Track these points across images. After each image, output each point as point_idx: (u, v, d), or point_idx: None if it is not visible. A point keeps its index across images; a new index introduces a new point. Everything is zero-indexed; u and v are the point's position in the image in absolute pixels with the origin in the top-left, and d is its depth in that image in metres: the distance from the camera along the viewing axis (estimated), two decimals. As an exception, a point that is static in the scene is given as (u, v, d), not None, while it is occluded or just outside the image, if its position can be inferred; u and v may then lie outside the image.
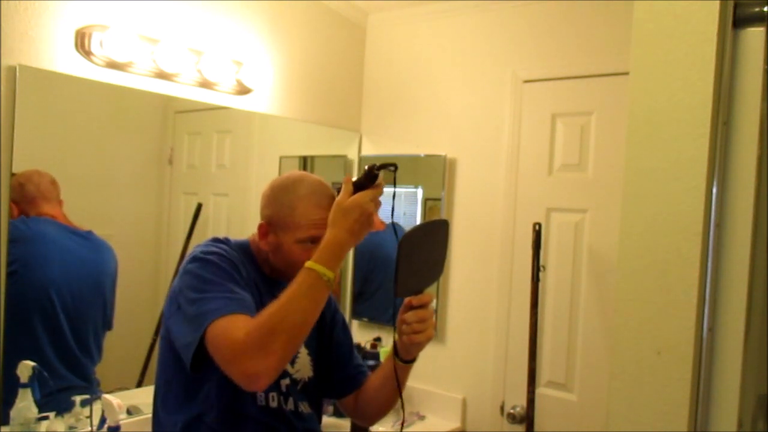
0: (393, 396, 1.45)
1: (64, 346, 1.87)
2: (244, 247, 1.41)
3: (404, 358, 1.38)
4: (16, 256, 1.74)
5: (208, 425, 1.32)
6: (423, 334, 1.33)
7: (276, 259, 1.39)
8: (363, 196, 1.26)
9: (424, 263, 1.34)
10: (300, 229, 1.33)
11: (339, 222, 1.25)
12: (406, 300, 1.34)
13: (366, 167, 1.29)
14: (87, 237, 1.94)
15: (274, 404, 1.38)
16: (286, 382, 1.41)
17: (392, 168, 1.31)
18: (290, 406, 1.41)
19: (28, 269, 1.79)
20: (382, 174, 1.30)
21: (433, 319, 1.36)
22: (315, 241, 1.30)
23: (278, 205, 1.36)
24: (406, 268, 1.28)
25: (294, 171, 1.51)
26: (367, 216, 1.26)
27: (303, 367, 1.45)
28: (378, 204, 1.29)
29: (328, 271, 1.21)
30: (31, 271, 1.80)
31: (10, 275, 1.73)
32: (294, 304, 1.18)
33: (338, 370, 1.52)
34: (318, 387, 1.49)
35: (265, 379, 1.16)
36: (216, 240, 1.37)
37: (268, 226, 1.37)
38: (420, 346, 1.36)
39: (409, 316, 1.32)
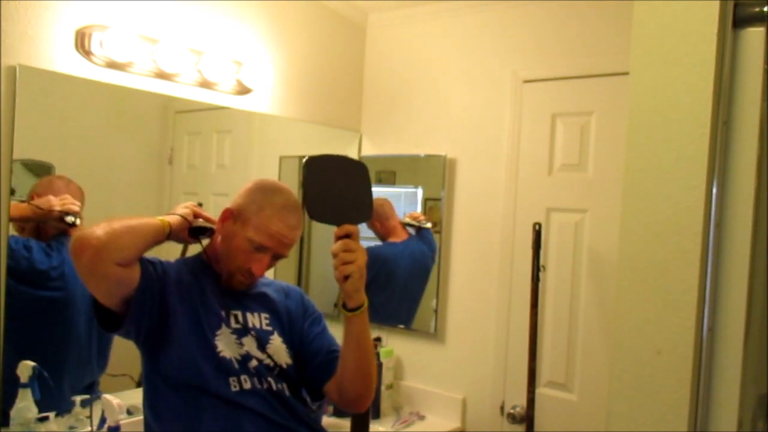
0: (361, 362, 1.42)
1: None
2: (196, 258, 1.55)
3: (348, 306, 1.37)
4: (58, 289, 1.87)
5: (172, 411, 1.40)
6: (353, 264, 1.32)
7: (222, 245, 1.48)
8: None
9: (338, 195, 1.37)
10: (256, 231, 1.43)
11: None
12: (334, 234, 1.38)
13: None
14: None
15: (247, 386, 1.42)
16: (253, 363, 1.45)
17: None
18: (265, 385, 1.44)
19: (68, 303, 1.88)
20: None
21: (362, 254, 1.33)
22: (261, 250, 1.43)
23: (251, 201, 1.46)
24: (315, 189, 1.34)
25: (282, 182, 1.62)
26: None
27: (277, 353, 1.49)
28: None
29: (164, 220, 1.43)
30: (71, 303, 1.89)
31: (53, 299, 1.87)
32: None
33: (312, 360, 1.54)
34: (299, 375, 1.53)
35: (90, 251, 1.24)
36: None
37: (232, 213, 1.47)
38: (353, 283, 1.33)
39: (335, 246, 1.33)
